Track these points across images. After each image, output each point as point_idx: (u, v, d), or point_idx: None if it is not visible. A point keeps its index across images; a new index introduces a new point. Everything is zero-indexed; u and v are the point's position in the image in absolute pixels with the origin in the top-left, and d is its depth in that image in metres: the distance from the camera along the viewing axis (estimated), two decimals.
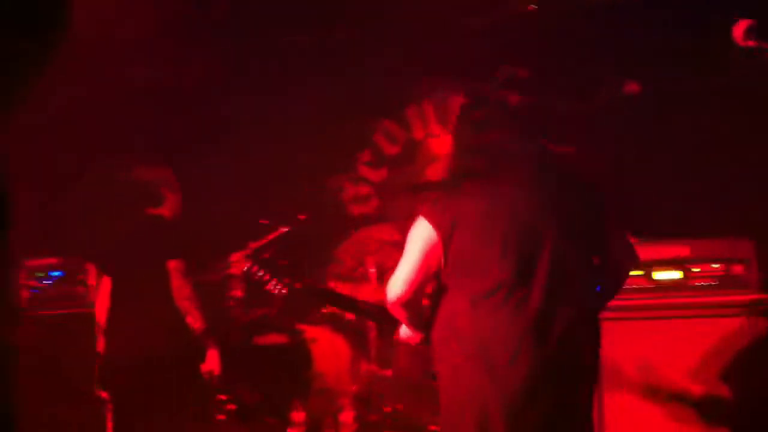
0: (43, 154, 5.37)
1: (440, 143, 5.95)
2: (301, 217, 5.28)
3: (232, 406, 4.85)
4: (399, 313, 2.85)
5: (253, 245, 5.01)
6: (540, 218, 2.68)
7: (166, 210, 4.28)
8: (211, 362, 4.10)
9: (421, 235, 2.74)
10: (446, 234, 2.70)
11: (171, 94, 5.81)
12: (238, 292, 5.14)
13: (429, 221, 2.73)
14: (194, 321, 4.03)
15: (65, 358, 4.82)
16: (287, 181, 5.99)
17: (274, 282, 3.95)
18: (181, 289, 4.04)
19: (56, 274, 5.19)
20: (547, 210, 2.70)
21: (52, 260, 5.18)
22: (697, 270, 3.96)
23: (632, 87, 5.23)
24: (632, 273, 3.95)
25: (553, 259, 2.64)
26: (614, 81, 5.22)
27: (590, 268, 2.77)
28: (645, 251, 4.00)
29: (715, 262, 3.93)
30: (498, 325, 2.62)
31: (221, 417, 4.82)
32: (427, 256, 2.73)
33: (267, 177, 5.92)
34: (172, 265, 4.05)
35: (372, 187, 6.30)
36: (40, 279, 5.15)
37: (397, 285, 2.77)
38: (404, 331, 2.97)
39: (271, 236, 5.10)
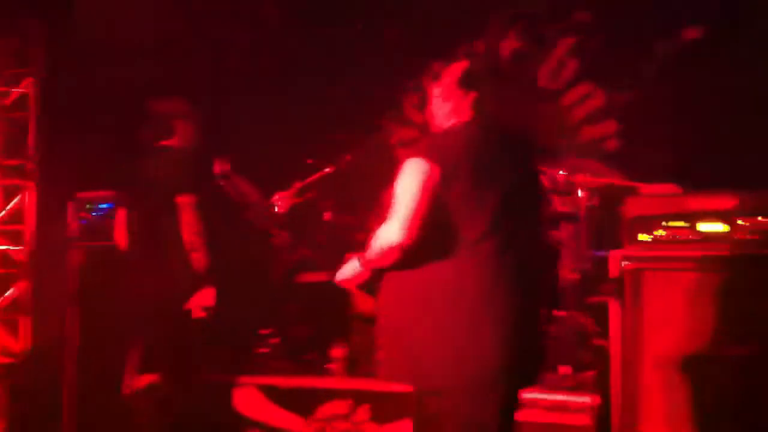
0: (101, 91, 5.45)
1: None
2: (347, 157, 5.30)
3: (275, 340, 4.97)
4: (392, 259, 2.73)
5: (299, 184, 5.06)
6: (517, 179, 2.83)
7: (178, 141, 4.21)
8: (206, 297, 4.00)
9: (420, 173, 2.69)
10: (447, 172, 2.69)
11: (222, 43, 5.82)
12: (282, 231, 5.21)
13: (428, 160, 2.70)
14: (199, 259, 3.95)
15: (109, 289, 4.94)
16: (333, 122, 6.00)
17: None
18: (191, 225, 3.96)
19: (105, 206, 5.28)
20: (521, 177, 2.86)
21: (103, 193, 5.28)
22: (743, 223, 3.90)
23: (691, 33, 5.12)
24: (677, 224, 4.02)
25: (523, 223, 2.82)
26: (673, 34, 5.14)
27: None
28: (691, 202, 4.01)
29: (762, 215, 3.87)
30: (478, 279, 2.68)
31: (265, 350, 4.94)
32: (430, 194, 2.68)
33: (313, 118, 5.93)
34: (183, 199, 3.97)
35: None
36: (90, 211, 5.25)
37: (399, 227, 2.67)
38: (350, 272, 2.92)
39: (316, 176, 5.14)
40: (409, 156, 2.76)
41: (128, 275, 4.20)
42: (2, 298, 5.54)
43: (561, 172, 4.56)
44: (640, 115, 5.26)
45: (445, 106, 2.94)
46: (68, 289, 5.02)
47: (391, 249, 2.69)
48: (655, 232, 4.03)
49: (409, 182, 2.69)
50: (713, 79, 4.84)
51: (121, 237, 4.28)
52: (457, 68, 2.96)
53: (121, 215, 4.32)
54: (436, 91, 2.98)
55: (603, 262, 4.18)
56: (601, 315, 4.04)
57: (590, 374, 4.06)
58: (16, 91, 5.63)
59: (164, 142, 4.21)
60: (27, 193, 5.57)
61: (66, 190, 5.18)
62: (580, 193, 4.57)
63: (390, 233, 2.69)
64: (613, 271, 4.01)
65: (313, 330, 5.08)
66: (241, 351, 4.98)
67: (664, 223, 4.02)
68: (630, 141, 5.38)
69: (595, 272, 4.30)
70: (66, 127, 5.45)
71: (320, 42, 5.96)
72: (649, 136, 5.16)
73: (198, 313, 4.00)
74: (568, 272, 4.33)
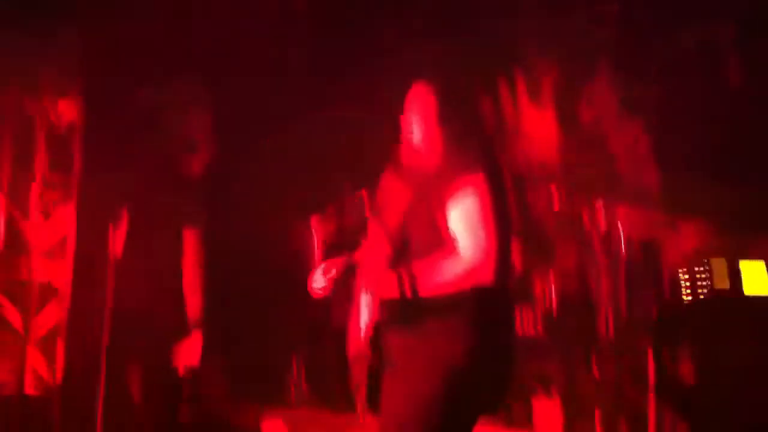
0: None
1: (529, 120, 5.88)
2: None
3: (302, 371, 4.93)
4: (469, 285, 2.51)
5: (333, 208, 5.01)
6: None
7: (196, 161, 3.92)
8: (193, 355, 3.60)
9: (492, 200, 2.55)
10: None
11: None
12: (317, 257, 5.17)
13: (487, 175, 2.59)
14: (193, 306, 3.58)
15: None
16: (365, 150, 5.96)
17: None
18: (192, 265, 3.60)
19: None
20: None
21: None
22: None
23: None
24: (718, 264, 3.93)
25: None
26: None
27: None
28: (732, 243, 3.93)
29: None
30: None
31: (292, 380, 4.89)
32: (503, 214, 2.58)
33: (350, 143, 5.89)
34: (188, 233, 3.63)
35: None
36: None
37: (487, 252, 2.49)
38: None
39: (349, 200, 5.09)
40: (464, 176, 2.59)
41: (118, 291, 3.90)
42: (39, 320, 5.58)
43: (603, 215, 4.52)
44: (685, 160, 5.17)
45: (427, 141, 2.78)
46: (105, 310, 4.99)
47: (475, 275, 2.49)
48: (697, 275, 3.95)
49: (486, 207, 2.53)
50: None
51: (119, 247, 3.90)
52: (429, 98, 2.79)
53: (122, 226, 3.93)
54: (414, 120, 2.82)
55: (643, 306, 4.11)
56: (639, 361, 3.96)
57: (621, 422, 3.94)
58: (62, 105, 5.72)
59: (182, 163, 3.91)
60: (69, 211, 5.64)
61: (107, 209, 5.21)
62: (621, 236, 4.51)
63: (492, 257, 2.49)
64: (652, 317, 3.95)
65: (342, 362, 5.02)
66: (269, 380, 4.94)
67: (704, 260, 3.95)
68: (673, 186, 5.28)
69: (634, 317, 4.22)
70: (108, 146, 5.48)
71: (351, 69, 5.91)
72: (693, 181, 5.07)
73: (182, 371, 3.62)
74: (606, 316, 4.25)
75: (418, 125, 2.81)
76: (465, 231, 2.51)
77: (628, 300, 4.29)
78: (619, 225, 4.40)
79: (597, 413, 4.00)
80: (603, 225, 4.47)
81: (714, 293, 3.96)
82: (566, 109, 5.58)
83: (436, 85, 2.81)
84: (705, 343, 3.85)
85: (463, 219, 2.52)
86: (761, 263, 3.85)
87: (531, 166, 5.52)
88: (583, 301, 4.48)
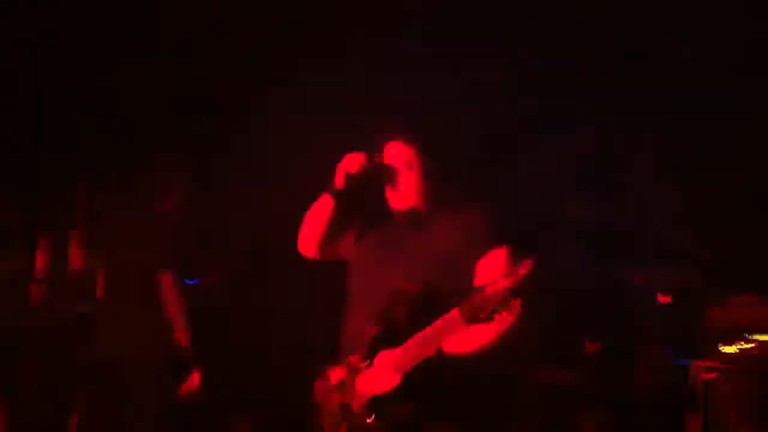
0: None
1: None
2: None
3: None
4: None
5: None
6: None
7: (168, 208, 3.95)
8: (192, 383, 3.76)
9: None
10: None
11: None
12: None
13: None
14: (180, 338, 3.75)
15: None
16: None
17: None
18: (170, 303, 3.75)
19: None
20: None
21: None
22: None
23: None
24: (764, 337, 3.86)
25: None
26: None
27: None
28: None
29: None
30: None
31: None
32: None
33: None
34: (163, 277, 3.75)
35: None
36: None
37: None
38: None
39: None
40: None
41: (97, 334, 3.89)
42: None
43: (641, 274, 4.47)
44: (727, 220, 5.12)
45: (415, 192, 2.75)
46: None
47: None
48: (740, 345, 3.89)
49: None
50: None
51: (99, 290, 3.98)
52: (412, 155, 2.75)
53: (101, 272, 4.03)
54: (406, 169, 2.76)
55: (681, 371, 4.03)
56: (674, 425, 3.89)
57: None
58: None
59: (157, 207, 3.97)
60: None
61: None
62: (660, 297, 4.45)
63: None
64: (692, 382, 3.87)
65: None
66: None
67: (749, 336, 3.89)
68: (715, 248, 5.23)
69: (672, 381, 4.15)
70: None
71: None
72: (734, 244, 5.01)
73: (186, 399, 3.77)
74: (643, 379, 4.18)
75: (403, 179, 2.75)
76: None
77: (664, 347, 4.24)
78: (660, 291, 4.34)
79: None
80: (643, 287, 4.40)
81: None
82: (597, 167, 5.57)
83: (416, 142, 2.77)
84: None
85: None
86: None
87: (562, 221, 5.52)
88: (619, 349, 4.43)
